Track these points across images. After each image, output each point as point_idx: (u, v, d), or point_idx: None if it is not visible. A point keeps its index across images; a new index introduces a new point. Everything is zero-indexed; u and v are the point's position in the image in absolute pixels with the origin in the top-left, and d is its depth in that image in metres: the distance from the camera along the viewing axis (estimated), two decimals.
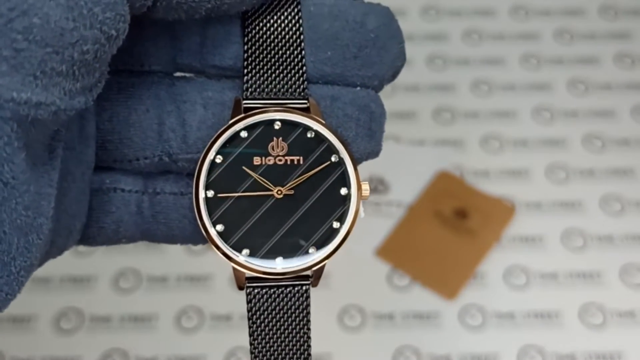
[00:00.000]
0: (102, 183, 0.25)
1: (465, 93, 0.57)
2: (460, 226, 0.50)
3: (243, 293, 0.23)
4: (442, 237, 0.50)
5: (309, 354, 0.23)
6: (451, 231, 0.50)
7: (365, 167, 0.58)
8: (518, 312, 0.47)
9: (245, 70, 0.23)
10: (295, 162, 0.23)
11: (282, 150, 0.23)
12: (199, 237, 0.25)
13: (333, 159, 0.24)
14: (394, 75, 0.25)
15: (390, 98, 0.57)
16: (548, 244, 0.50)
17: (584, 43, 0.59)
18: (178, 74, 0.26)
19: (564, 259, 0.49)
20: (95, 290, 0.48)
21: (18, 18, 0.19)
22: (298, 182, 0.23)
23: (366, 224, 0.51)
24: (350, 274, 0.49)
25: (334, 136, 0.23)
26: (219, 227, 0.23)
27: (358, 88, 0.24)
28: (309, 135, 0.23)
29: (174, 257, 0.49)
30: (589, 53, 0.59)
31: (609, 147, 0.54)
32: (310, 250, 0.23)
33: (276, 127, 0.23)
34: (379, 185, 0.52)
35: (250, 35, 0.24)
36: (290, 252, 0.23)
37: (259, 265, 0.23)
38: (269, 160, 0.23)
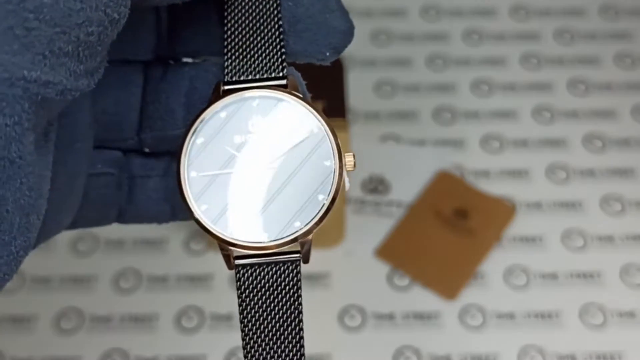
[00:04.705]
0: (93, 167, 0.26)
1: (465, 93, 0.57)
2: (461, 226, 0.50)
3: None
4: (442, 237, 0.50)
5: (301, 329, 0.23)
6: (451, 231, 0.50)
7: (366, 167, 0.58)
8: (518, 312, 0.47)
9: (226, 55, 0.24)
10: (277, 137, 0.23)
11: (262, 126, 0.23)
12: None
13: (315, 130, 0.23)
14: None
15: (390, 98, 0.57)
16: (548, 244, 0.50)
17: (584, 43, 0.59)
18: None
19: (564, 259, 0.49)
20: (95, 290, 0.48)
21: None
22: (280, 156, 0.23)
23: (366, 224, 0.51)
24: (350, 274, 0.49)
25: (312, 109, 0.23)
26: (204, 207, 0.23)
27: None
28: (288, 110, 0.23)
29: (174, 257, 0.49)
30: (589, 53, 0.59)
31: (610, 147, 0.54)
32: (296, 224, 0.23)
33: (255, 104, 0.23)
34: (379, 185, 0.52)
35: (229, 17, 0.24)
36: (275, 226, 0.23)
37: (245, 241, 0.23)
38: (250, 137, 0.23)
